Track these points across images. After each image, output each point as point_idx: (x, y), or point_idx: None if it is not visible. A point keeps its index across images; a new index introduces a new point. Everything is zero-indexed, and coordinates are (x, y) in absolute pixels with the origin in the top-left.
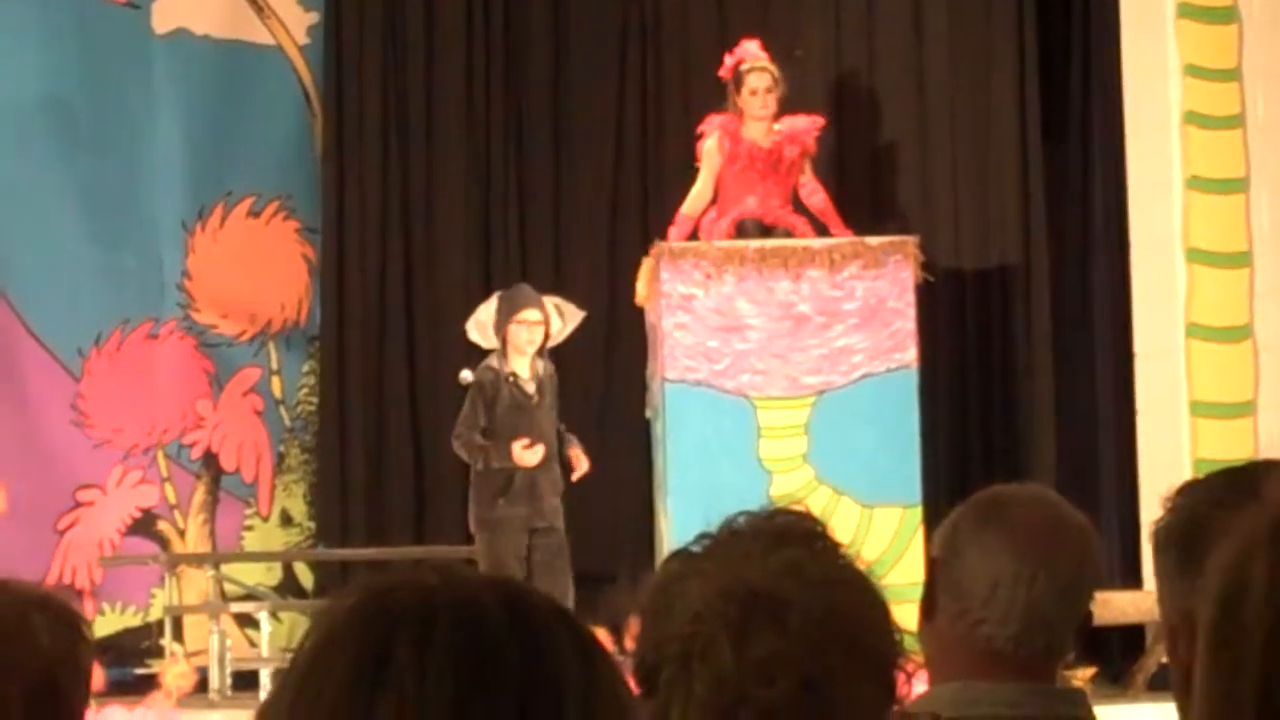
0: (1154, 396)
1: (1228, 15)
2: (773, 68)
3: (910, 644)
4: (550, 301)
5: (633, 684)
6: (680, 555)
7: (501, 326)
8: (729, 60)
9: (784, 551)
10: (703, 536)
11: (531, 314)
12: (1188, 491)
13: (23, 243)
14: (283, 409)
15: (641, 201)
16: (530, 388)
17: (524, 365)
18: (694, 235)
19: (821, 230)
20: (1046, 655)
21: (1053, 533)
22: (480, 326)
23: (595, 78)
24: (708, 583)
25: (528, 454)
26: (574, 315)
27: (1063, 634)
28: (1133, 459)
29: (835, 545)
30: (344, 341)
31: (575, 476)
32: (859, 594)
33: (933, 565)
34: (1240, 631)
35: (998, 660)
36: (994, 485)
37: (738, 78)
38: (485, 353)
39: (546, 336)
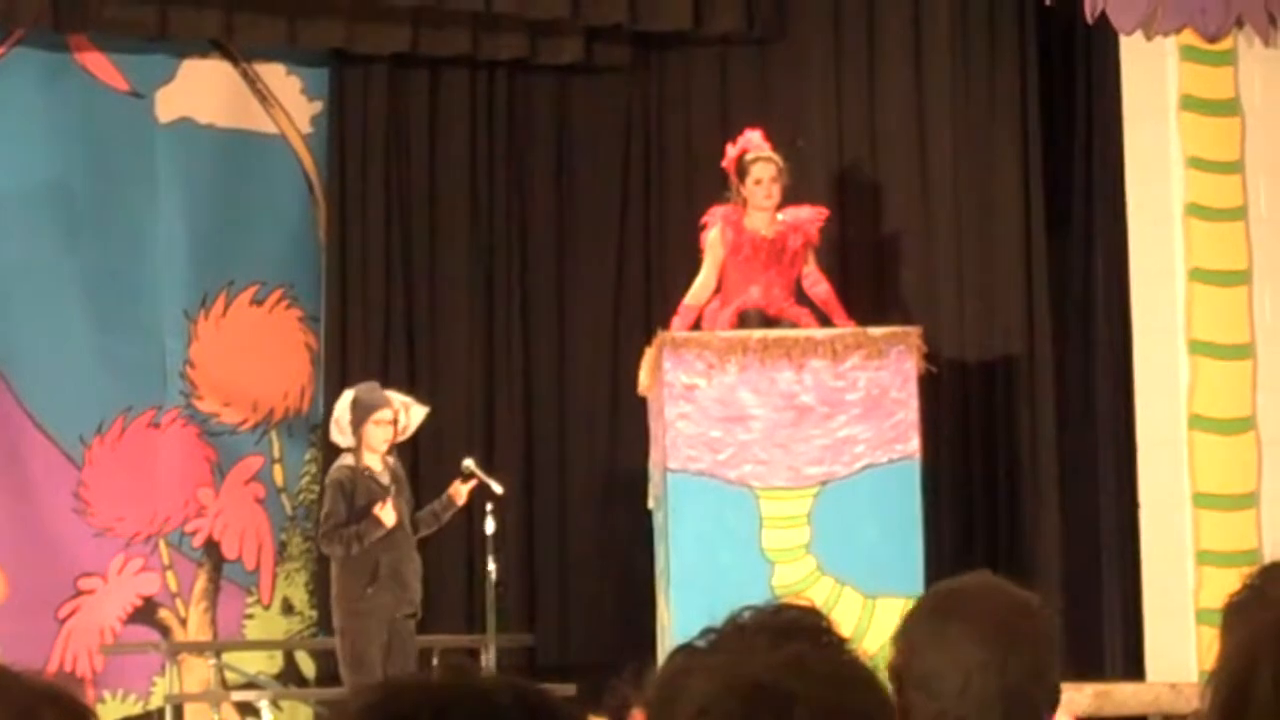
0: (1156, 488)
1: (1230, 108)
2: (777, 157)
3: None
4: (398, 399)
5: None
6: (685, 650)
7: (358, 425)
8: (732, 150)
9: (789, 646)
10: (707, 631)
11: (385, 413)
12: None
13: (26, 330)
14: (284, 497)
15: (644, 291)
16: (385, 479)
17: (376, 461)
18: (697, 325)
19: (824, 321)
20: None
21: (1012, 615)
22: (340, 428)
23: (598, 167)
24: (713, 677)
25: (386, 513)
26: (417, 411)
27: (1041, 712)
28: (1135, 550)
29: (840, 641)
30: None
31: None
32: (864, 690)
33: (897, 673)
34: None
35: None
36: (941, 582)
37: (741, 168)
38: (340, 451)
39: (396, 433)
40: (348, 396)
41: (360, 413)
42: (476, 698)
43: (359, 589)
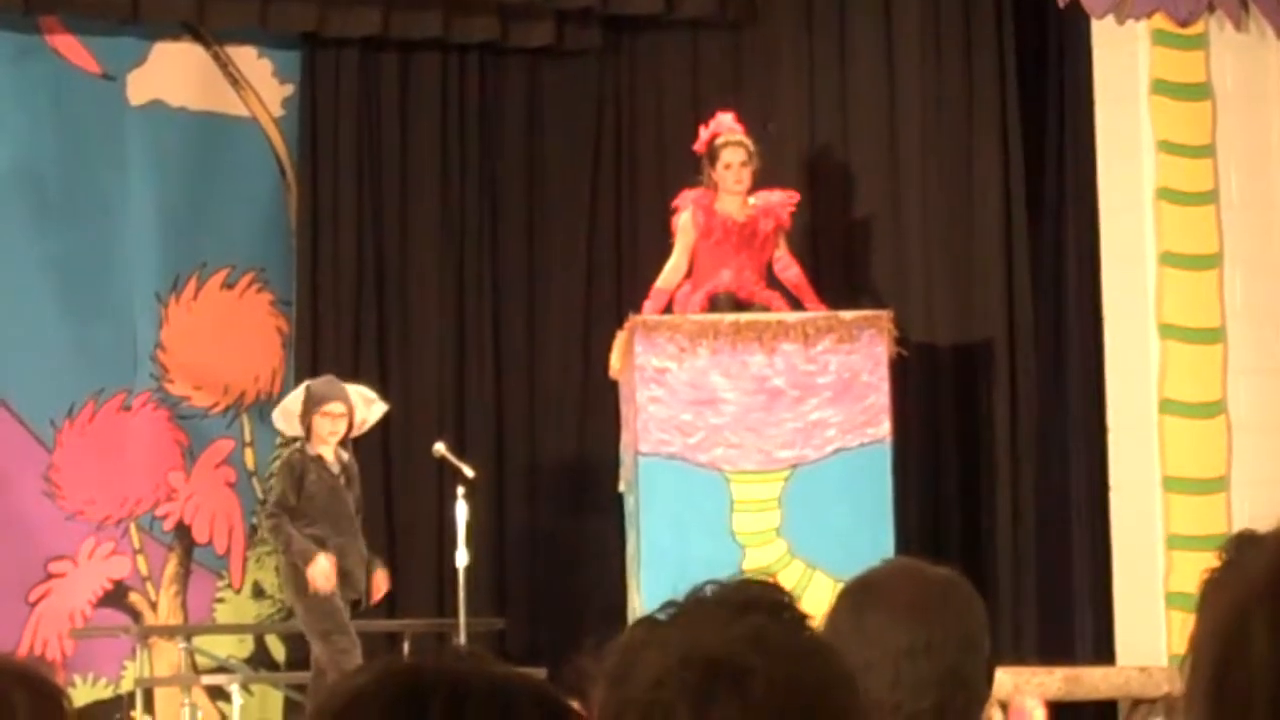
0: (1127, 472)
1: (1201, 92)
2: (748, 141)
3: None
4: (356, 392)
5: None
6: (645, 622)
7: (307, 416)
8: (704, 133)
9: (748, 620)
10: (669, 604)
11: (336, 406)
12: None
13: None
14: (255, 481)
15: (615, 275)
16: (335, 470)
17: (328, 452)
18: (668, 309)
19: (796, 304)
20: (966, 709)
21: (928, 595)
22: (287, 415)
23: (570, 150)
24: (669, 649)
25: (319, 576)
26: (378, 408)
27: (978, 684)
28: (1105, 534)
29: (802, 616)
30: None
31: (374, 600)
32: (823, 665)
33: None
34: (1240, 689)
35: None
36: (855, 576)
37: (712, 151)
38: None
39: (350, 427)
40: (303, 386)
41: (311, 404)
42: (497, 684)
43: (304, 574)
